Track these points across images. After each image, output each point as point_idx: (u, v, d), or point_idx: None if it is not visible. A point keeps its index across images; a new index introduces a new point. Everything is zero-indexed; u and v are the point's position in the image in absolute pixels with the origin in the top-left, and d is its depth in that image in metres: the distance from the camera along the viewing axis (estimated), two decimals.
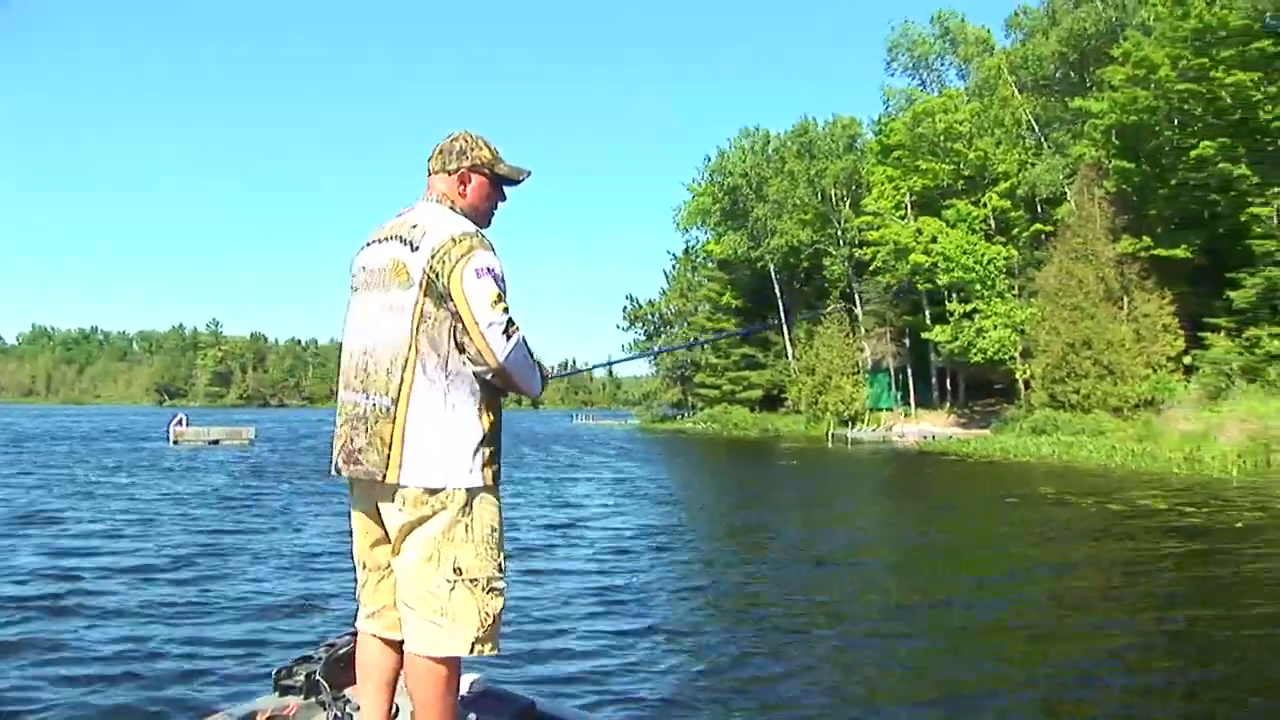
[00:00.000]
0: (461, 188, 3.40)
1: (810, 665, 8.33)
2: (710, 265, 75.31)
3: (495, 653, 3.24)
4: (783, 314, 66.55)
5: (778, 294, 66.95)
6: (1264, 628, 9.77)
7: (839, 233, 61.40)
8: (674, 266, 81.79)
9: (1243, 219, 37.44)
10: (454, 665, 3.25)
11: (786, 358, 66.25)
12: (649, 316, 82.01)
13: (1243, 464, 29.37)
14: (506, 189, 3.48)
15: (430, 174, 3.45)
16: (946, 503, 22.89)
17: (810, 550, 15.11)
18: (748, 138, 69.03)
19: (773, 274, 66.57)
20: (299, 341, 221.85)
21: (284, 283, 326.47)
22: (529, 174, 3.54)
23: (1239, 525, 17.51)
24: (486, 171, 3.43)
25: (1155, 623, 10.19)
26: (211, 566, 12.28)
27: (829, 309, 59.84)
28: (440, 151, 3.43)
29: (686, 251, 79.47)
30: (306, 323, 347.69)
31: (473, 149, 3.42)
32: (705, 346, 70.53)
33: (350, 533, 3.42)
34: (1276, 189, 36.77)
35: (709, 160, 71.01)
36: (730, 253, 68.03)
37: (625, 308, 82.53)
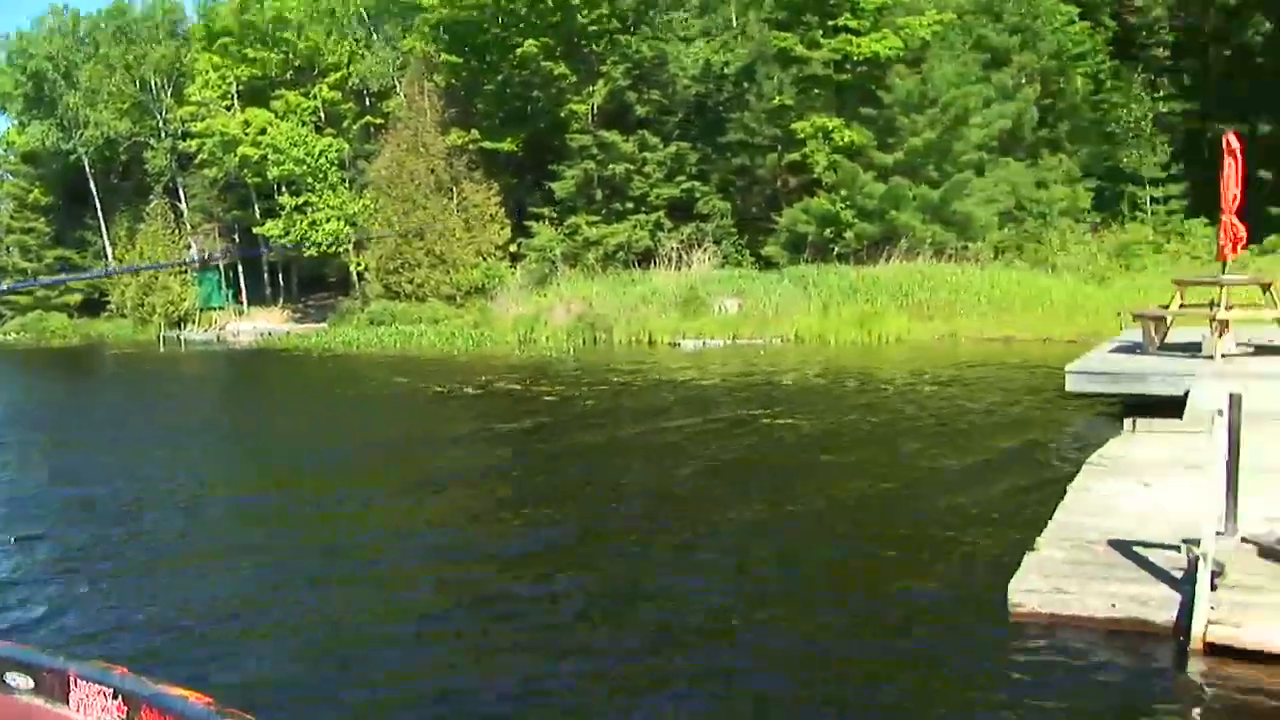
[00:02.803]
0: None
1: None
2: (13, 159, 66.80)
3: None
4: (100, 211, 60.41)
5: (93, 190, 60.62)
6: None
7: (161, 124, 56.31)
8: None
9: (562, 115, 38.04)
10: None
11: (106, 259, 60.33)
12: None
13: (575, 342, 30.18)
14: None
15: None
16: (297, 400, 21.60)
17: (174, 468, 13.27)
18: (55, 17, 61.33)
19: (87, 168, 59.96)
20: None
21: None
22: None
23: (589, 401, 18.46)
24: None
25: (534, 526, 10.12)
26: None
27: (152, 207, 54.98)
28: None
29: None
30: None
31: None
32: (12, 251, 62.86)
33: None
34: (591, 88, 37.75)
35: (7, 39, 62.29)
36: (37, 144, 60.34)
37: None
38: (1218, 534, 6.21)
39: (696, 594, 7.64)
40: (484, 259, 39.11)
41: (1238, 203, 15.92)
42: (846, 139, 33.31)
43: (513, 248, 39.52)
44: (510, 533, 9.55)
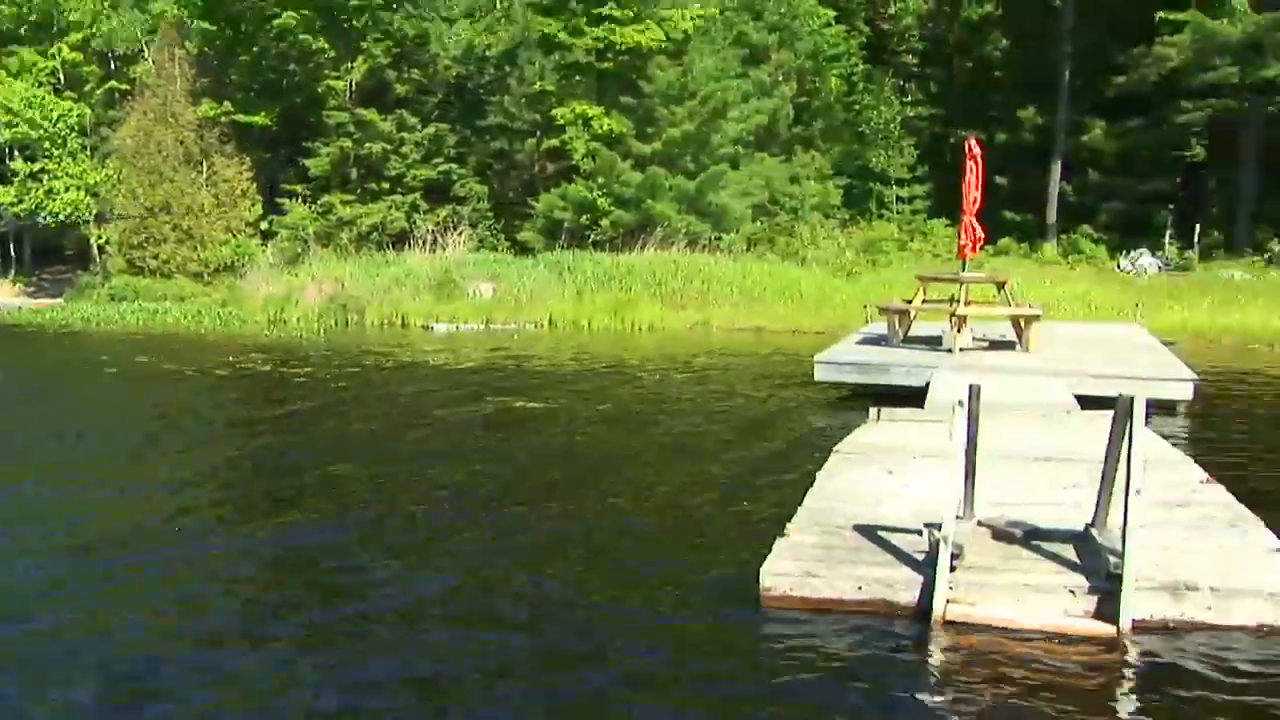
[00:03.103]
0: None
1: None
2: None
3: None
4: None
5: None
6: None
7: None
8: None
9: (319, 90, 36.83)
10: None
11: None
12: None
13: (327, 323, 29.41)
14: None
15: None
16: (32, 381, 19.97)
17: None
18: None
19: None
20: None
21: None
22: None
23: (342, 383, 18.01)
24: None
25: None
26: None
27: None
28: None
29: None
30: None
31: None
32: None
33: None
34: (350, 64, 36.70)
35: None
36: None
37: None
38: (956, 518, 6.34)
39: (448, 586, 7.39)
40: (234, 236, 37.51)
41: (978, 205, 16.52)
42: (606, 127, 33.32)
43: (264, 225, 38.03)
44: (265, 530, 8.92)
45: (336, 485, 10.33)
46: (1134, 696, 5.52)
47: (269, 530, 8.85)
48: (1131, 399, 6.13)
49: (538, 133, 35.61)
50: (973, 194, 16.37)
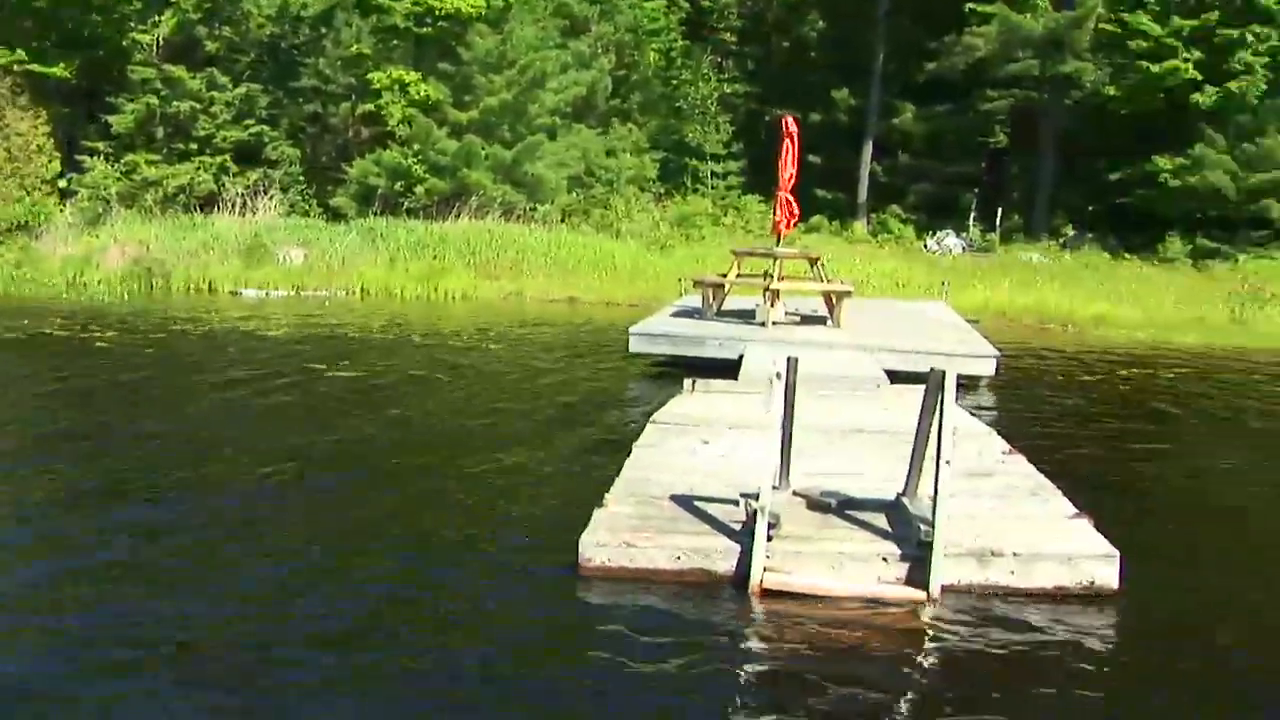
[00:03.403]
0: None
1: None
2: None
3: None
4: None
5: None
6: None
7: None
8: None
9: (124, 44, 35.28)
10: None
11: None
12: None
13: (130, 288, 28.36)
14: None
15: None
16: None
17: None
18: None
19: None
20: None
21: None
22: None
23: (149, 350, 17.37)
24: None
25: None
26: None
27: None
28: None
29: None
30: None
31: None
32: None
33: None
34: (158, 18, 35.17)
35: None
36: None
37: None
38: (773, 488, 6.43)
39: (257, 572, 7.01)
40: (28, 194, 35.69)
41: (793, 182, 16.85)
42: (423, 93, 32.83)
43: (62, 183, 36.21)
44: (72, 511, 8.26)
45: (142, 461, 9.91)
46: (942, 657, 5.72)
47: (76, 511, 8.31)
48: (943, 373, 6.33)
49: (353, 97, 34.90)
50: (788, 171, 16.70)
